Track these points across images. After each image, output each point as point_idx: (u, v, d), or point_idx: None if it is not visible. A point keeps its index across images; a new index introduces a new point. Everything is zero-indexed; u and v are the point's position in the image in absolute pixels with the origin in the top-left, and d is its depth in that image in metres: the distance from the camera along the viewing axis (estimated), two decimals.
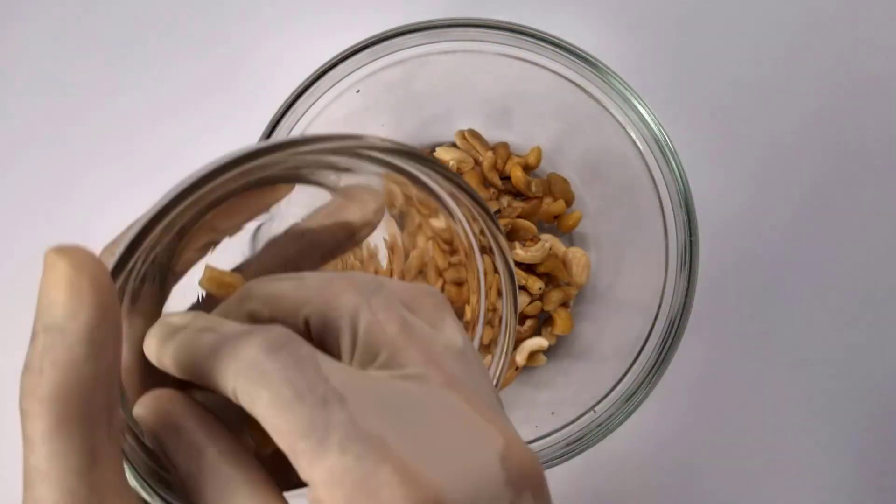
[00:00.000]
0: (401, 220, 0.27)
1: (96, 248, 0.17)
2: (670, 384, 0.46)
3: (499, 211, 0.41)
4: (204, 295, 0.22)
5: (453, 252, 0.26)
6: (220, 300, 0.21)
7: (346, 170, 0.21)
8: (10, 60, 0.47)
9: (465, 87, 0.41)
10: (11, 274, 0.46)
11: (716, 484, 0.46)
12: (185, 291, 0.22)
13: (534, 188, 0.41)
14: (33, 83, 0.47)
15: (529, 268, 0.41)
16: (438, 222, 0.25)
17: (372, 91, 0.38)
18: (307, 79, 0.35)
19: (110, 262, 0.16)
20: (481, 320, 0.27)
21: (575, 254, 0.41)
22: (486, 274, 0.26)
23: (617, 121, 0.36)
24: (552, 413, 0.38)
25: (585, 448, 0.35)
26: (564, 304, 0.41)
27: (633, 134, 0.36)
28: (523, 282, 0.40)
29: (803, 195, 0.47)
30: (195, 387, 0.18)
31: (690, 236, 0.35)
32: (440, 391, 0.17)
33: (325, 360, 0.16)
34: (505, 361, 0.26)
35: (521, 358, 0.41)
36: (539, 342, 0.41)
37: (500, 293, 0.25)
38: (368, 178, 0.21)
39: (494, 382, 0.26)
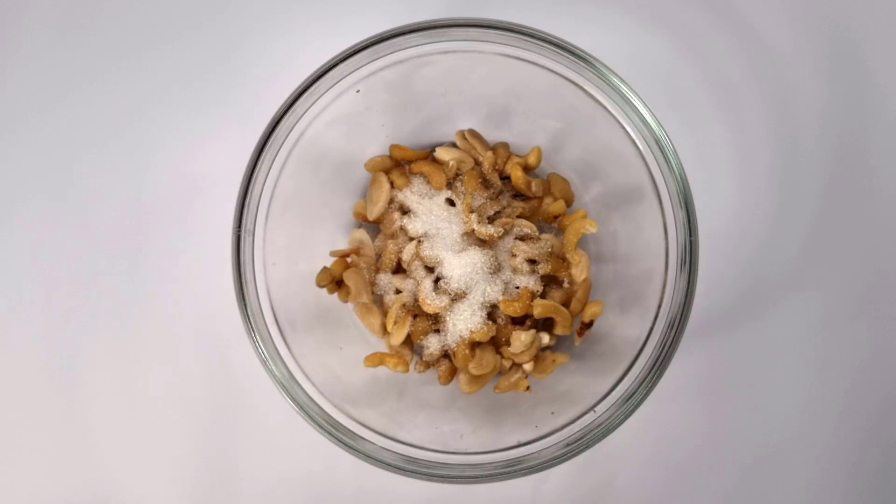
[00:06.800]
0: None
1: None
2: (670, 384, 0.46)
3: (499, 211, 0.41)
4: None
5: None
6: None
7: None
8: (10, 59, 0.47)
9: (465, 87, 0.41)
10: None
11: (715, 483, 0.46)
12: None
13: (534, 188, 0.41)
14: (31, 80, 0.47)
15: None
16: None
17: (372, 91, 0.38)
18: (307, 79, 0.35)
19: None
20: None
21: (575, 254, 0.41)
22: None
23: (617, 121, 0.36)
24: (552, 413, 0.38)
25: (585, 448, 0.35)
26: (565, 304, 0.41)
27: (633, 134, 0.36)
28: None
29: (804, 194, 0.47)
30: None
31: (690, 236, 0.35)
32: None
33: None
34: None
35: (528, 365, 0.41)
36: (537, 336, 0.41)
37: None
38: None
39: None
